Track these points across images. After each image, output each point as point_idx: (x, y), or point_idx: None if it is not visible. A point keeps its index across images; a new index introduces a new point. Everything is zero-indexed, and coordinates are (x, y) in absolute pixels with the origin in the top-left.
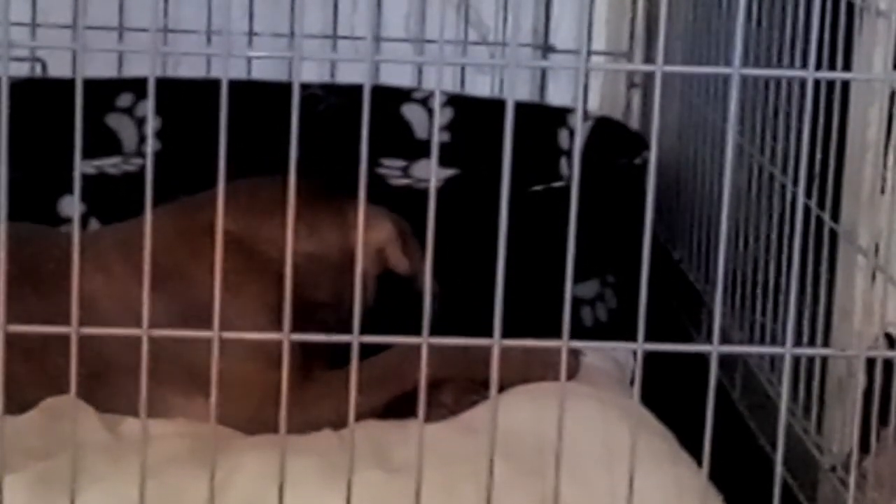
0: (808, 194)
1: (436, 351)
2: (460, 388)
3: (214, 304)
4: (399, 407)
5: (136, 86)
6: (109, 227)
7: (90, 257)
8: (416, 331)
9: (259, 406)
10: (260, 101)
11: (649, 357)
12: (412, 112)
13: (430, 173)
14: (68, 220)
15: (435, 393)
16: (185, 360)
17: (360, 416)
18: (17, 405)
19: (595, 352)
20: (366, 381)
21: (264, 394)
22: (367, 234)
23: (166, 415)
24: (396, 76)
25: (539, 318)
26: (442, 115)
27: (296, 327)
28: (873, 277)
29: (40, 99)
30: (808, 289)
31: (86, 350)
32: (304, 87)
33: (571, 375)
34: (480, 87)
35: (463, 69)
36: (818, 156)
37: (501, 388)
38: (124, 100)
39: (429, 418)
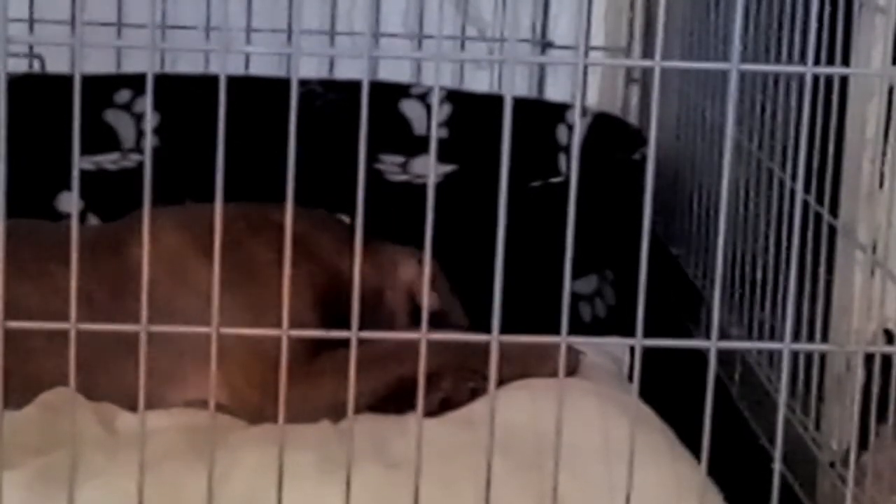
0: (807, 190)
1: (434, 342)
2: (460, 376)
3: (213, 303)
4: (398, 400)
5: (135, 82)
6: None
7: (139, 226)
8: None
9: (275, 368)
10: (258, 97)
11: (648, 353)
12: (410, 108)
13: (429, 169)
14: (66, 216)
15: (434, 379)
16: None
17: (360, 395)
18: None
19: (593, 348)
20: (366, 360)
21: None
22: (396, 273)
23: (184, 382)
24: (395, 72)
25: (538, 314)
26: (440, 111)
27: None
28: (872, 273)
29: (38, 95)
30: (807, 284)
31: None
32: (303, 82)
33: (570, 373)
34: (479, 82)
35: (461, 65)
36: (817, 151)
37: (500, 382)
38: (122, 96)
39: (426, 402)
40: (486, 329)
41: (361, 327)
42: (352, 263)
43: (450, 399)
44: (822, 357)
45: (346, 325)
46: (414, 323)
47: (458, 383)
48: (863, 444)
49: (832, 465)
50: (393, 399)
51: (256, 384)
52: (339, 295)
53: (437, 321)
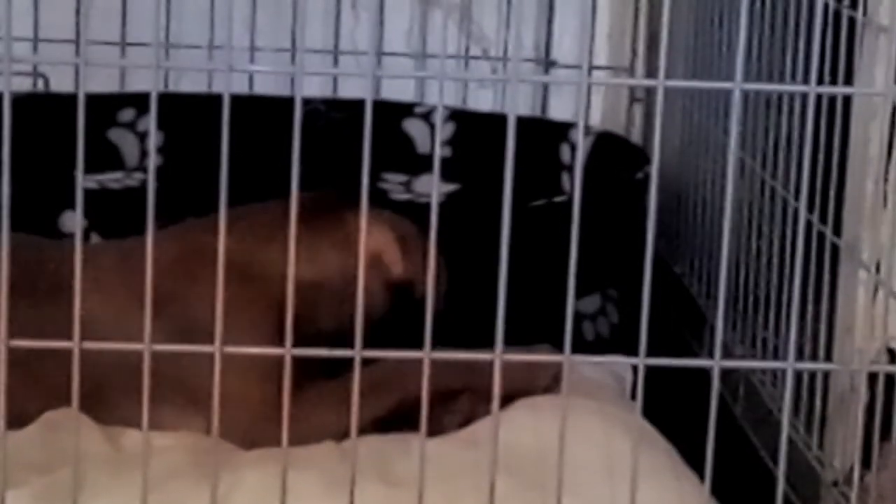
0: (810, 209)
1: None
2: (477, 397)
3: (217, 320)
4: (406, 419)
5: (138, 100)
6: (106, 245)
7: (86, 276)
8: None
9: (252, 422)
10: (262, 115)
11: (651, 371)
12: (414, 127)
13: (432, 188)
14: (70, 235)
15: (452, 400)
16: (180, 378)
17: (361, 424)
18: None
19: (595, 366)
20: (366, 389)
21: (257, 409)
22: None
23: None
24: (398, 91)
25: (541, 333)
26: (444, 130)
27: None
28: (875, 292)
29: (42, 114)
30: (810, 303)
31: (82, 367)
32: (306, 101)
33: (557, 380)
34: (482, 101)
35: (465, 84)
36: (820, 170)
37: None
38: (126, 115)
39: (443, 424)
40: (490, 347)
41: (339, 322)
42: (311, 261)
43: (469, 420)
44: (826, 376)
45: (323, 335)
46: (389, 296)
47: (476, 405)
48: (866, 463)
49: (835, 483)
50: (405, 418)
51: (241, 435)
52: (310, 304)
53: (407, 293)
